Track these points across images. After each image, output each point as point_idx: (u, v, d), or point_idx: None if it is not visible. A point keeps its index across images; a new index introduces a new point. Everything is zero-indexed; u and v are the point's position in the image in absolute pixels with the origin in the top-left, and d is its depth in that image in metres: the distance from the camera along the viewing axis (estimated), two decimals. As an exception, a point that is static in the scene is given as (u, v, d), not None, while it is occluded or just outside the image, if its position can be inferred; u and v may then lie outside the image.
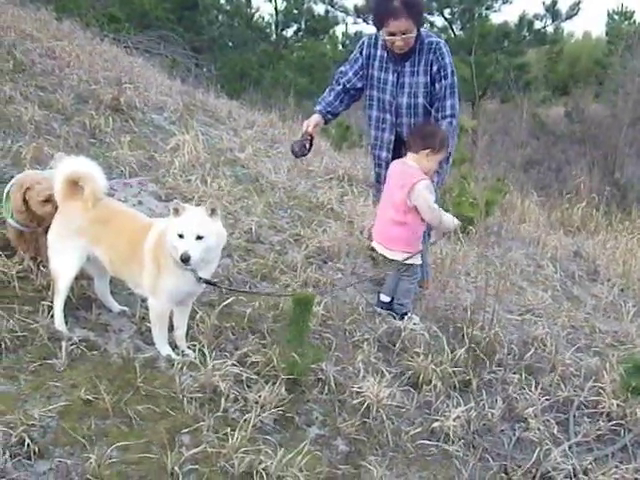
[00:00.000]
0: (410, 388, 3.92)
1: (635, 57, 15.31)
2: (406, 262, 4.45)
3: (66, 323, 3.65)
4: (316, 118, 4.76)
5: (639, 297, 6.29)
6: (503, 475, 3.48)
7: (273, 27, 21.80)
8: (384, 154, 4.88)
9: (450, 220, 4.43)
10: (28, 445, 2.82)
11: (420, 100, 4.63)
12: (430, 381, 3.96)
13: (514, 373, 4.24)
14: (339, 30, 21.60)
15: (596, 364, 4.61)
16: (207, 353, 3.53)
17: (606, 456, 3.76)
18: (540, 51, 20.80)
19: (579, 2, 17.55)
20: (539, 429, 3.80)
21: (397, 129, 4.76)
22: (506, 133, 14.36)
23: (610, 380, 4.26)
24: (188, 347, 3.70)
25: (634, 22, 24.51)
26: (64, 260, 3.67)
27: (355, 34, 19.59)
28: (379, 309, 4.67)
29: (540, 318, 5.17)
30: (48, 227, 3.74)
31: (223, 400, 3.34)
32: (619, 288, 6.36)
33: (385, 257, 4.54)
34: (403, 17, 4.37)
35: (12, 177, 4.09)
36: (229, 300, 4.19)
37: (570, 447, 3.73)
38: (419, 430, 3.61)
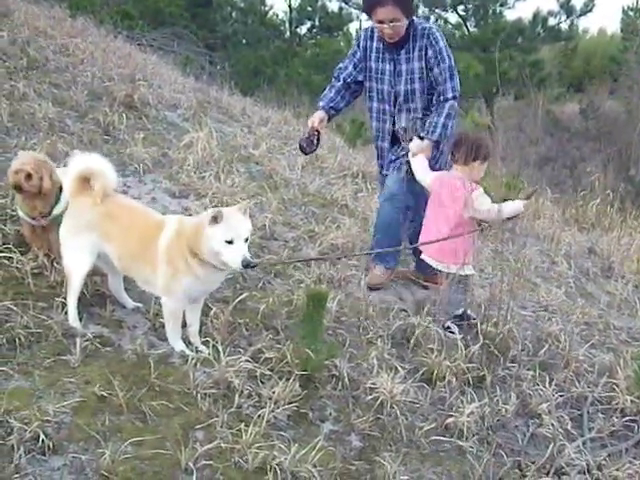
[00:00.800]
0: (424, 384, 3.92)
1: (650, 53, 15.21)
2: (462, 273, 4.44)
3: (80, 319, 3.67)
4: (320, 114, 4.87)
5: (654, 294, 6.24)
6: (517, 471, 3.46)
7: (287, 24, 21.78)
8: (386, 145, 5.01)
9: (515, 206, 4.46)
10: (42, 441, 2.82)
11: (417, 85, 4.76)
12: (444, 377, 3.95)
13: (528, 369, 4.23)
14: (353, 27, 21.55)
15: (610, 360, 4.58)
16: (221, 349, 3.53)
17: (620, 452, 3.73)
18: (554, 48, 20.68)
19: (593, -1, 17.48)
20: (553, 425, 3.78)
21: (395, 118, 4.87)
22: (520, 130, 14.30)
23: (624, 376, 4.24)
24: (202, 343, 3.71)
25: (649, 18, 24.34)
26: (76, 256, 3.68)
27: (368, 31, 19.53)
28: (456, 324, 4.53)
29: (554, 314, 5.15)
30: (60, 223, 3.77)
31: (237, 396, 3.34)
32: (633, 285, 6.32)
33: (439, 270, 4.54)
34: (390, 5, 4.51)
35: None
36: (243, 296, 4.19)
37: (584, 443, 3.72)
38: (433, 426, 3.61)
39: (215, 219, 3.33)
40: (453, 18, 18.16)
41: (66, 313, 3.66)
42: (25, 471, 2.71)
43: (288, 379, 3.50)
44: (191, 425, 3.15)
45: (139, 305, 3.96)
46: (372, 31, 4.85)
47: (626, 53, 20.82)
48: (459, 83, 4.74)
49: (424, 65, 4.71)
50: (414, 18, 4.76)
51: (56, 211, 3.91)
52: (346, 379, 3.72)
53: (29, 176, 3.84)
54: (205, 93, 8.56)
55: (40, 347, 3.43)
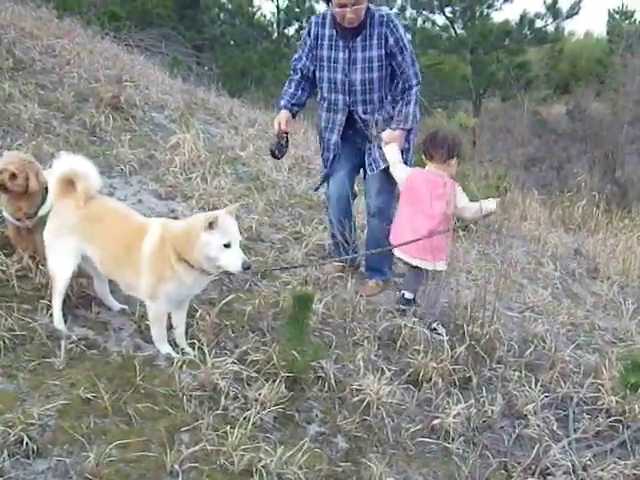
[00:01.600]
0: (410, 385, 3.92)
1: (636, 56, 15.26)
2: (438, 269, 4.50)
3: (65, 322, 3.64)
4: (284, 115, 4.75)
5: (639, 295, 6.27)
6: (503, 472, 3.48)
7: (275, 25, 21.75)
8: (334, 137, 4.85)
9: (491, 205, 4.53)
10: (27, 444, 2.80)
11: (375, 75, 4.60)
12: (430, 378, 3.97)
13: (514, 370, 4.25)
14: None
15: (595, 361, 4.62)
16: (207, 351, 3.52)
17: (605, 452, 3.76)
18: (541, 50, 20.75)
19: (580, 1, 17.56)
20: (539, 426, 3.81)
21: (350, 108, 4.72)
22: (507, 131, 14.34)
23: (609, 377, 4.27)
24: (188, 345, 3.69)
25: (634, 21, 24.43)
26: (59, 259, 3.66)
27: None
28: (402, 306, 4.64)
29: (540, 315, 5.17)
30: (44, 225, 3.75)
31: (223, 398, 3.33)
32: (619, 286, 6.37)
33: (414, 267, 4.55)
34: None
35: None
36: (229, 298, 4.19)
37: (569, 443, 3.74)
38: (419, 427, 3.61)
39: (211, 225, 3.30)
40: (440, 20, 18.21)
41: (51, 315, 3.64)
42: (9, 475, 2.69)
43: (274, 381, 3.50)
44: (177, 427, 3.13)
45: (125, 307, 3.94)
46: (324, 18, 4.70)
47: (612, 55, 20.94)
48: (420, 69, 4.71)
49: (384, 53, 4.56)
50: (370, 5, 4.60)
51: (41, 212, 3.89)
52: (332, 381, 3.71)
53: (13, 176, 3.82)
54: (192, 94, 8.55)
55: (25, 350, 3.40)
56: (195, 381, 3.41)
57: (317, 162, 7.49)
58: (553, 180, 12.69)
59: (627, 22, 24.77)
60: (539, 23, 17.86)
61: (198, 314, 3.92)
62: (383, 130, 4.66)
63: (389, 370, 3.93)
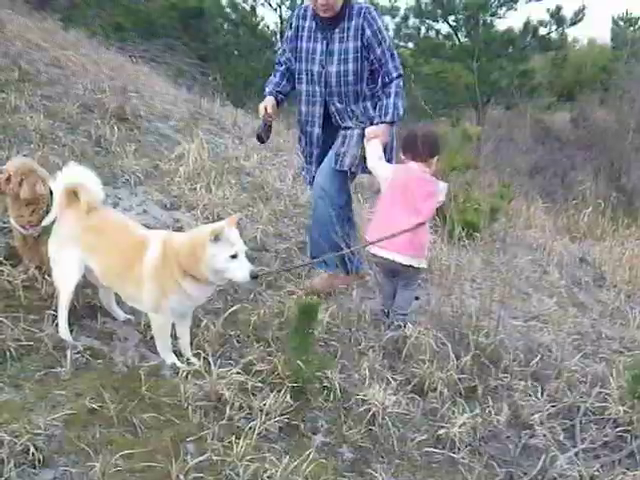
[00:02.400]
0: (416, 395, 3.91)
1: (640, 63, 15.29)
2: (421, 267, 4.49)
3: (71, 332, 3.66)
4: (269, 100, 4.73)
5: (646, 303, 6.26)
6: (509, 482, 3.46)
7: (278, 36, 21.79)
8: (316, 130, 4.81)
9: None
10: (33, 454, 2.81)
11: (350, 66, 4.57)
12: (436, 388, 3.96)
13: (520, 380, 4.23)
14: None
15: (602, 370, 4.59)
16: (212, 361, 3.52)
17: (613, 463, 3.73)
18: (545, 57, 20.77)
19: (583, 8, 17.53)
20: (545, 436, 3.79)
21: (327, 99, 4.69)
22: (511, 139, 14.38)
23: (617, 386, 4.24)
24: (193, 355, 3.70)
25: (639, 28, 24.51)
26: (64, 270, 3.68)
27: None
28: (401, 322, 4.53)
29: (546, 324, 5.15)
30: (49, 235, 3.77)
31: (228, 408, 3.33)
32: (625, 294, 6.34)
33: (405, 265, 4.43)
34: None
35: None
36: (234, 308, 4.19)
37: (576, 454, 3.71)
38: (425, 437, 3.61)
39: (217, 237, 3.32)
40: (444, 28, 18.22)
41: (57, 325, 3.65)
42: (15, 485, 2.70)
43: (279, 391, 3.50)
44: (182, 438, 3.13)
45: (130, 317, 3.95)
46: (305, 10, 4.72)
47: (616, 62, 20.97)
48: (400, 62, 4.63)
49: (360, 45, 4.53)
50: None
51: (45, 222, 3.90)
52: (338, 390, 3.71)
53: (8, 178, 3.85)
54: (197, 104, 8.57)
55: (31, 360, 3.41)
56: (200, 391, 3.40)
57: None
58: (557, 188, 12.69)
59: (631, 29, 24.82)
60: (543, 30, 17.84)
61: (203, 324, 3.92)
62: (360, 123, 4.62)
63: (394, 380, 3.92)
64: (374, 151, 4.54)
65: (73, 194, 3.63)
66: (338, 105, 4.68)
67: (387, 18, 17.91)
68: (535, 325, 5.10)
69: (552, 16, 17.55)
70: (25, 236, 4.01)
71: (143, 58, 11.45)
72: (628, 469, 3.65)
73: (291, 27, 4.79)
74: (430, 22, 18.02)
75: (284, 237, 5.55)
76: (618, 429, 3.99)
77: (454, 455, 3.53)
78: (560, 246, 7.24)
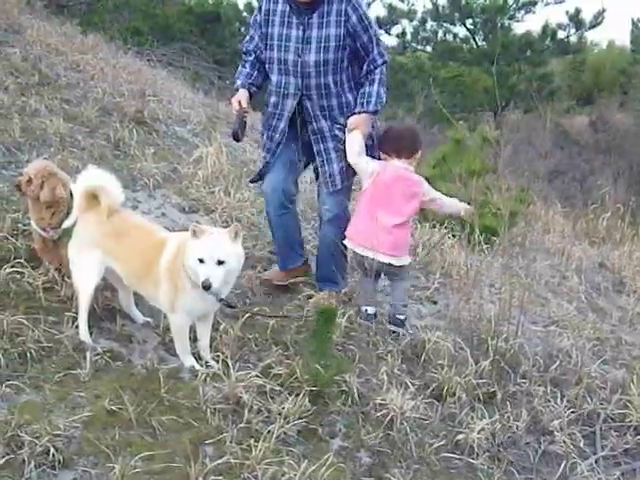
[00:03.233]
0: (434, 400, 3.90)
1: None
2: (403, 264, 4.45)
3: (90, 334, 3.68)
4: (242, 93, 4.36)
5: (666, 309, 6.20)
6: (529, 488, 3.44)
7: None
8: (282, 125, 4.42)
9: (455, 205, 4.61)
10: (53, 455, 2.83)
11: (331, 56, 4.19)
12: (454, 393, 3.93)
13: (539, 385, 4.20)
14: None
15: (622, 377, 4.56)
16: (230, 364, 3.54)
17: (633, 470, 3.71)
18: (563, 61, 20.68)
19: (603, 11, 17.43)
20: (565, 442, 3.76)
21: (303, 93, 4.29)
22: (529, 143, 14.27)
23: (637, 393, 4.19)
24: (212, 358, 3.70)
25: (659, 31, 24.34)
26: (83, 272, 3.71)
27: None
28: (368, 323, 4.45)
29: (565, 330, 5.11)
30: (70, 237, 3.79)
31: (246, 411, 3.33)
32: (645, 300, 6.29)
33: (390, 265, 4.37)
34: None
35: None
36: (253, 311, 4.19)
37: (597, 461, 3.69)
38: (443, 443, 3.58)
39: (195, 233, 3.34)
40: (461, 32, 18.18)
41: (77, 327, 3.67)
42: (35, 485, 2.71)
43: (298, 394, 3.49)
44: (201, 440, 3.14)
45: (149, 320, 3.97)
46: None
47: (635, 65, 20.81)
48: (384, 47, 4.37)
49: (343, 32, 4.16)
50: None
51: (65, 224, 3.92)
52: (356, 395, 3.70)
53: (29, 181, 3.88)
54: (214, 108, 8.60)
55: (51, 361, 3.45)
56: (219, 394, 3.41)
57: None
58: (576, 192, 12.62)
59: (651, 32, 24.64)
60: (561, 34, 17.76)
61: (222, 327, 3.93)
62: (337, 134, 4.37)
63: (413, 385, 3.90)
64: (355, 144, 4.30)
65: (93, 197, 3.65)
66: (315, 99, 4.29)
67: (404, 22, 17.89)
68: (554, 330, 5.06)
69: (571, 19, 17.47)
70: (45, 238, 4.05)
71: (161, 62, 11.49)
72: (649, 476, 3.63)
73: (260, 11, 4.35)
74: (448, 25, 17.99)
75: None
76: (639, 436, 3.96)
77: (473, 461, 3.52)
78: (579, 251, 7.18)
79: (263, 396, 3.49)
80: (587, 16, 17.64)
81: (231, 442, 3.14)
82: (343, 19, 4.15)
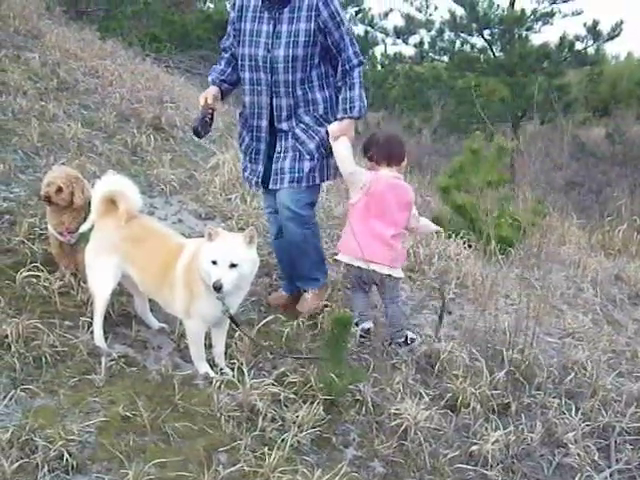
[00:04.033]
0: (448, 411, 3.88)
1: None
2: (401, 276, 4.45)
3: (105, 339, 3.69)
4: (212, 90, 4.27)
5: (682, 322, 6.16)
6: (543, 501, 3.42)
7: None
8: (264, 123, 4.26)
9: (428, 225, 4.69)
10: (67, 460, 2.84)
11: (300, 52, 4.07)
12: (469, 404, 3.92)
13: (554, 397, 4.18)
14: (378, 51, 21.60)
15: (638, 389, 4.52)
16: (245, 372, 3.54)
17: (649, 484, 3.68)
18: (581, 72, 20.60)
19: (621, 23, 17.33)
20: (579, 455, 3.73)
21: (273, 89, 4.16)
22: (546, 154, 14.22)
23: (653, 406, 4.18)
24: (226, 365, 3.70)
25: (677, 43, 24.22)
26: (99, 277, 3.72)
27: (394, 55, 19.55)
28: (363, 339, 4.37)
29: (580, 342, 5.08)
30: (87, 242, 3.80)
31: (261, 419, 3.33)
32: (661, 313, 6.25)
33: (389, 276, 4.33)
34: None
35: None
36: (268, 319, 4.20)
37: (611, 474, 3.67)
38: (457, 453, 3.57)
39: (210, 236, 3.35)
40: (479, 42, 18.13)
41: (92, 332, 3.68)
42: (49, 490, 2.72)
43: (312, 403, 3.49)
44: (214, 447, 3.14)
45: (164, 326, 3.97)
46: None
47: (653, 77, 20.69)
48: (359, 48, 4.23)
49: (313, 28, 4.04)
50: None
51: (82, 229, 3.93)
52: (370, 404, 3.70)
53: (60, 189, 3.91)
54: (231, 115, 8.60)
55: (66, 366, 3.45)
56: (233, 401, 3.41)
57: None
58: (592, 204, 12.55)
59: (669, 45, 24.48)
60: (579, 45, 17.68)
61: (237, 334, 3.92)
62: (300, 125, 4.21)
63: (427, 395, 3.89)
64: (344, 151, 4.20)
65: (111, 202, 3.66)
66: (283, 96, 4.16)
67: (422, 31, 17.87)
68: (570, 342, 5.04)
69: (589, 31, 17.38)
70: (62, 243, 4.07)
71: (178, 69, 11.56)
72: (664, 491, 3.60)
73: (234, 8, 4.26)
74: (465, 36, 17.92)
75: (317, 249, 5.53)
76: (654, 450, 3.93)
77: (486, 472, 3.50)
78: (595, 263, 7.14)
79: (277, 404, 3.49)
80: (605, 27, 17.56)
81: (245, 450, 3.14)
82: (314, 14, 4.04)
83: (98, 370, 3.43)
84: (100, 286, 3.71)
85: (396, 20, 18.72)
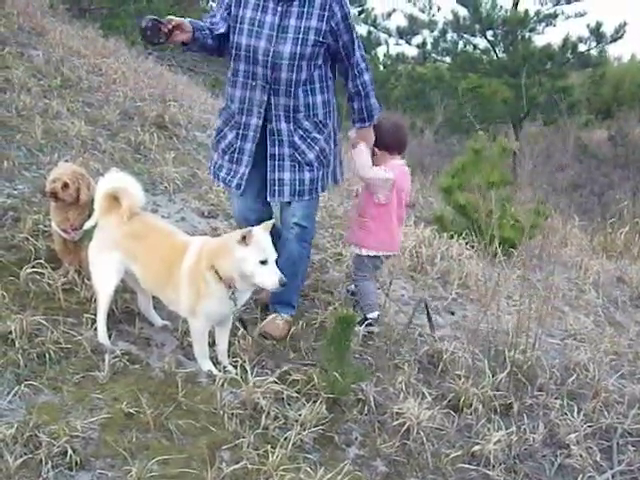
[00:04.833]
0: (451, 411, 3.88)
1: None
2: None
3: (109, 336, 3.70)
4: (186, 23, 3.76)
5: (684, 324, 6.15)
6: (545, 502, 3.42)
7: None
8: (254, 121, 3.95)
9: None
10: (70, 456, 2.84)
11: (308, 50, 3.83)
12: (471, 404, 3.91)
13: (556, 398, 4.17)
14: (381, 51, 21.61)
15: (640, 391, 4.53)
16: (248, 370, 3.53)
17: (651, 485, 3.67)
18: (583, 74, 20.59)
19: (624, 25, 17.33)
20: (581, 456, 3.72)
21: (272, 87, 3.88)
22: (549, 156, 14.25)
23: (655, 408, 4.17)
24: (230, 363, 3.71)
25: (680, 45, 24.21)
26: (103, 274, 3.72)
27: (397, 55, 19.55)
28: (374, 329, 4.44)
29: (582, 343, 5.08)
30: (90, 239, 3.81)
31: (263, 417, 3.33)
32: (663, 315, 6.25)
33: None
34: None
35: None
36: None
37: (613, 476, 3.66)
38: (459, 453, 3.56)
39: (244, 239, 3.32)
40: (482, 43, 18.14)
41: (95, 329, 3.69)
42: (53, 486, 2.72)
43: (315, 402, 3.49)
44: (217, 445, 3.14)
45: (167, 323, 3.98)
46: None
47: (656, 80, 20.69)
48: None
49: (325, 29, 3.83)
50: None
51: (86, 226, 3.93)
52: (372, 403, 3.70)
53: (66, 185, 3.91)
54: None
55: (69, 363, 3.46)
56: (236, 399, 3.42)
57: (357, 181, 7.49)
58: (594, 206, 12.56)
59: (672, 46, 24.47)
60: (582, 47, 17.68)
61: (240, 332, 3.93)
62: (299, 131, 3.98)
63: (429, 394, 3.89)
64: (364, 157, 4.22)
65: (114, 199, 3.67)
66: (282, 95, 3.90)
67: (425, 32, 17.89)
68: (572, 344, 5.03)
69: (592, 32, 17.37)
70: (65, 240, 4.07)
71: (182, 68, 11.57)
72: (666, 493, 3.60)
73: None
74: (468, 37, 17.94)
75: (320, 248, 5.54)
76: (656, 452, 3.93)
77: (488, 472, 3.49)
78: (597, 265, 7.14)
79: (280, 402, 3.49)
80: (608, 29, 17.55)
81: (248, 448, 3.14)
82: (327, 14, 3.82)
83: (101, 367, 3.43)
84: (103, 283, 3.72)
85: (399, 20, 18.81)
